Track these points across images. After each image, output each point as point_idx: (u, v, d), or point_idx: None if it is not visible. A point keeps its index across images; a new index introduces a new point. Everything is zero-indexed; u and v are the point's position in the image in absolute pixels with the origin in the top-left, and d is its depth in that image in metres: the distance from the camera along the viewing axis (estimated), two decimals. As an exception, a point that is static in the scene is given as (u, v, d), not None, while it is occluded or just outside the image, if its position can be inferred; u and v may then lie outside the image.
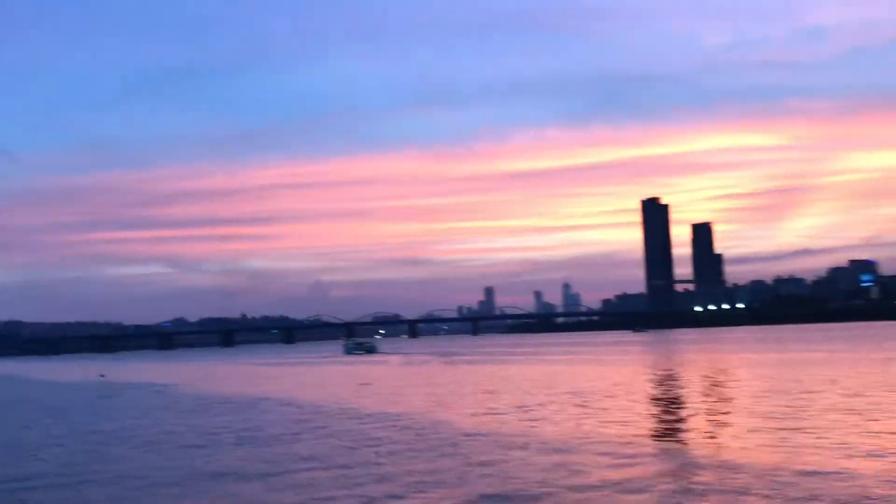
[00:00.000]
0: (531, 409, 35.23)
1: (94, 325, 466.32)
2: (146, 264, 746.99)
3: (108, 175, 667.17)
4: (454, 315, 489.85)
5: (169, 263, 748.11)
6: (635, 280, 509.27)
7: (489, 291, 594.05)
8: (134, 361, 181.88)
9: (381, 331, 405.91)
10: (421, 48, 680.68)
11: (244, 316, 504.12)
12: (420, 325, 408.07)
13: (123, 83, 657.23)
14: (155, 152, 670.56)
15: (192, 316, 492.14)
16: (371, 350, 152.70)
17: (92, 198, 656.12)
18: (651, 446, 23.96)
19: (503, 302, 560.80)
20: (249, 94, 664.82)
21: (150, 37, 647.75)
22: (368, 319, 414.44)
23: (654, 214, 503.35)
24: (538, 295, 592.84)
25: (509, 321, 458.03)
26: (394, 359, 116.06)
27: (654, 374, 58.60)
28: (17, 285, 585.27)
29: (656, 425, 29.67)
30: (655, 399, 39.60)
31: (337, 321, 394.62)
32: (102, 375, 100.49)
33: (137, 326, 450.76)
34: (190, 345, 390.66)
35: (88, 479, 22.21)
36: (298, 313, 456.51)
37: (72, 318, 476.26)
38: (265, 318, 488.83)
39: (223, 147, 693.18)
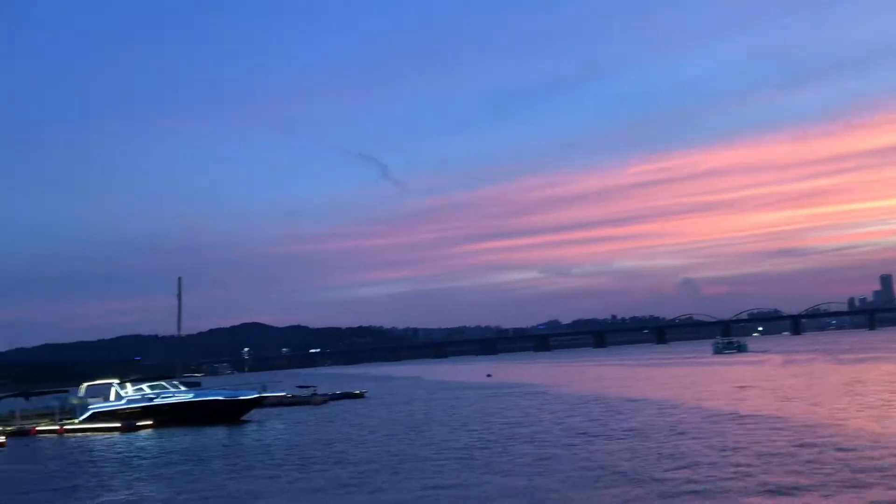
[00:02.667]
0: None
1: (479, 329, 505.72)
2: (522, 270, 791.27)
3: (479, 190, 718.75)
4: (844, 308, 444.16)
5: (541, 269, 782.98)
6: None
7: (886, 280, 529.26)
8: (515, 362, 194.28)
9: (759, 328, 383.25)
10: (775, 23, 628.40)
11: (614, 317, 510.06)
12: (804, 320, 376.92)
13: (489, 102, 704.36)
14: (524, 164, 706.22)
15: (565, 318, 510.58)
16: (741, 349, 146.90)
17: (471, 212, 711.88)
18: None
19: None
20: (607, 97, 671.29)
21: (507, 55, 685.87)
22: (744, 317, 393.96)
23: None
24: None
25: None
26: (773, 358, 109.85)
27: None
28: (413, 296, 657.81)
29: None
30: None
31: (710, 319, 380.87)
32: (489, 376, 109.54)
33: (516, 329, 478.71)
34: (564, 346, 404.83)
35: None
36: (668, 312, 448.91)
37: (459, 324, 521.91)
38: (634, 319, 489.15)
39: (587, 152, 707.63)
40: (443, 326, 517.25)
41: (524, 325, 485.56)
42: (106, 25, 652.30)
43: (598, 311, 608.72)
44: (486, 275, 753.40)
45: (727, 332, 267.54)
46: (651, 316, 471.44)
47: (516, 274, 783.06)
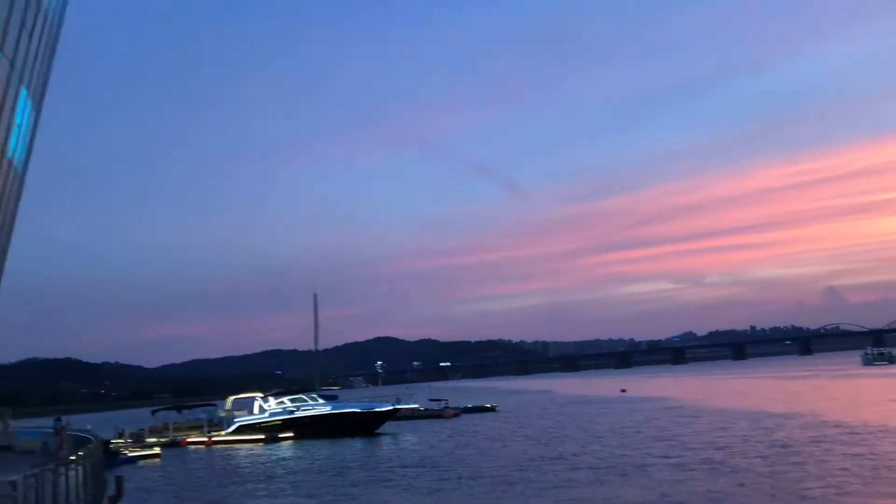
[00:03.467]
0: None
1: (610, 342, 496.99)
2: (652, 281, 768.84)
3: (608, 199, 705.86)
4: None
5: (674, 279, 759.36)
6: None
7: None
8: (650, 376, 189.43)
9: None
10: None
11: (753, 328, 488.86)
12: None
13: (617, 108, 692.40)
14: (648, 171, 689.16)
15: (701, 330, 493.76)
16: (894, 360, 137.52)
17: (600, 222, 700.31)
18: None
19: None
20: (742, 99, 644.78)
21: (636, 60, 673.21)
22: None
23: None
24: None
25: None
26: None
27: None
28: (541, 309, 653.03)
29: None
30: None
31: (859, 329, 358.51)
32: (623, 390, 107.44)
33: (649, 342, 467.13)
34: (701, 359, 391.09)
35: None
36: (812, 322, 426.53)
37: (589, 337, 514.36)
38: (775, 329, 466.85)
39: (716, 156, 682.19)
40: (574, 339, 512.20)
41: (658, 338, 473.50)
42: (244, 57, 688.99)
43: (735, 321, 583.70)
44: (617, 286, 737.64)
45: (879, 343, 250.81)
46: (793, 326, 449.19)
47: (648, 285, 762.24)
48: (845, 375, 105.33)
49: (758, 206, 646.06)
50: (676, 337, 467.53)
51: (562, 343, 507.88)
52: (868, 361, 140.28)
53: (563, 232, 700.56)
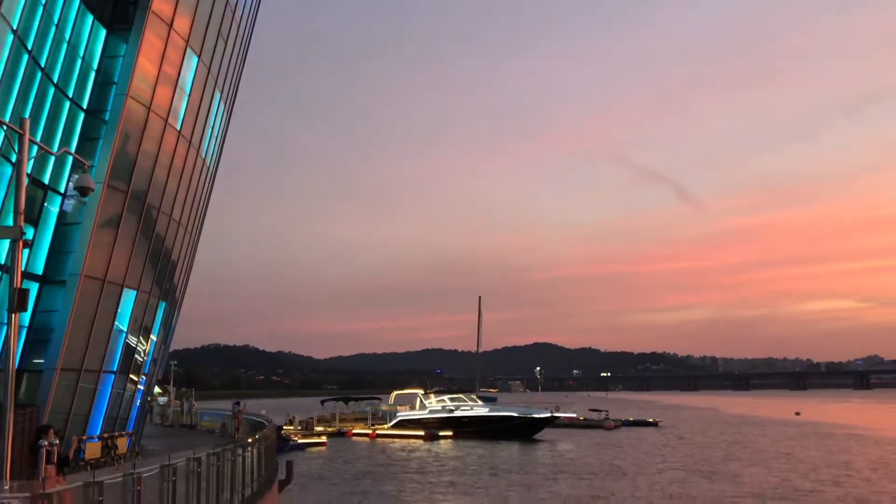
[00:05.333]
0: None
1: (785, 361, 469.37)
2: (836, 299, 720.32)
3: (787, 211, 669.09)
4: None
5: (859, 298, 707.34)
6: None
7: None
8: (829, 400, 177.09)
9: None
10: None
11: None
12: None
13: (791, 117, 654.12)
14: (833, 182, 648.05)
15: (889, 353, 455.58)
16: None
17: (772, 235, 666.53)
18: None
19: None
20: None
21: (815, 66, 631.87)
22: None
23: None
24: None
25: None
26: None
27: None
28: (711, 323, 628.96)
29: None
30: None
31: None
32: (798, 413, 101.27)
33: (829, 364, 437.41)
34: (888, 385, 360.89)
35: None
36: None
37: (761, 355, 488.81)
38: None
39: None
40: (745, 357, 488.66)
41: (839, 359, 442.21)
42: (419, 65, 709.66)
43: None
44: (795, 303, 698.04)
45: None
46: None
47: (830, 303, 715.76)
48: None
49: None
50: (860, 360, 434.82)
51: (732, 360, 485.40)
52: None
53: (738, 244, 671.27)
